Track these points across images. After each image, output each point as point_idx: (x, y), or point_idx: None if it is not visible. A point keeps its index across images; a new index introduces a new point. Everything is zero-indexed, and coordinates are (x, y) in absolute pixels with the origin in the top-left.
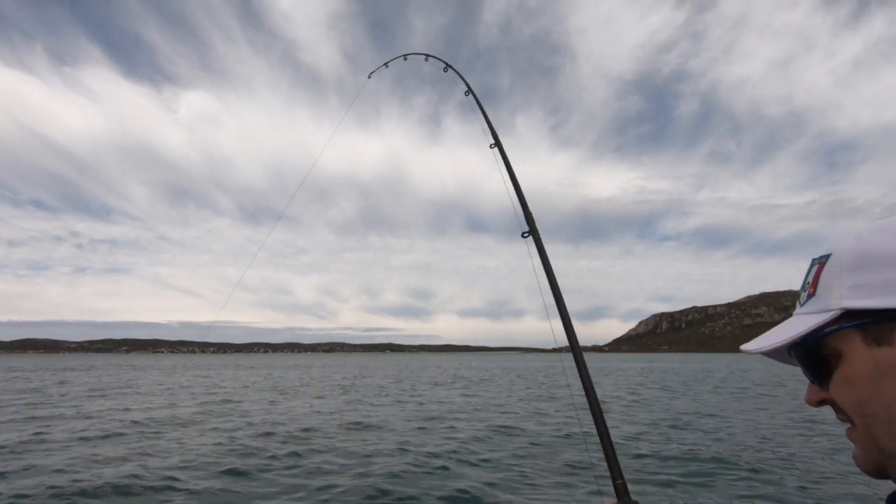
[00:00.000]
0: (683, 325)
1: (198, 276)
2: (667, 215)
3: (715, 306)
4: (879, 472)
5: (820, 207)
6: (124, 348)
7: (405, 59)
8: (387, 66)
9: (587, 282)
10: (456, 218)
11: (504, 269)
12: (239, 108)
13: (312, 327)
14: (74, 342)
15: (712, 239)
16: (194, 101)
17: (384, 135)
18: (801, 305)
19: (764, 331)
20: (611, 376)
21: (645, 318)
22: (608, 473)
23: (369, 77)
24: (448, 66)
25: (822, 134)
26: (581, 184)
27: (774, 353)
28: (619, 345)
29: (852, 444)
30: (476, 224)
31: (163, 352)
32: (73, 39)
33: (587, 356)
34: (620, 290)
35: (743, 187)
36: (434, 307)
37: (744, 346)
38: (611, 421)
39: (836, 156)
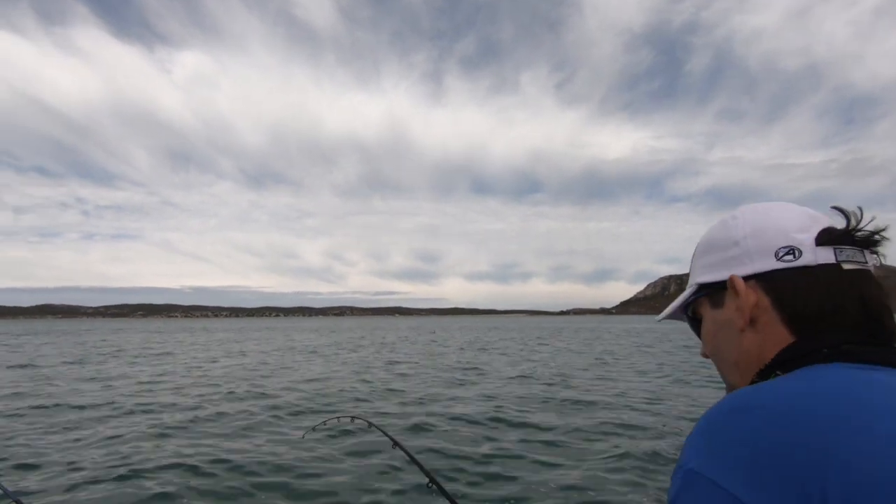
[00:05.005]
0: None
1: (205, 241)
2: (676, 175)
3: None
4: None
5: (839, 166)
6: (140, 313)
7: (338, 420)
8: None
9: (595, 244)
10: (461, 180)
11: (511, 231)
12: (234, 67)
13: (322, 291)
14: (91, 307)
15: (724, 199)
16: (189, 62)
17: (385, 93)
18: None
19: None
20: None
21: (653, 280)
22: None
23: (302, 437)
24: (371, 424)
25: (839, 88)
26: (589, 144)
27: (675, 317)
28: (626, 307)
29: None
30: (482, 186)
31: (177, 316)
32: None
33: (594, 317)
34: (628, 252)
35: (757, 146)
36: (441, 270)
37: (658, 318)
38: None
39: (853, 111)
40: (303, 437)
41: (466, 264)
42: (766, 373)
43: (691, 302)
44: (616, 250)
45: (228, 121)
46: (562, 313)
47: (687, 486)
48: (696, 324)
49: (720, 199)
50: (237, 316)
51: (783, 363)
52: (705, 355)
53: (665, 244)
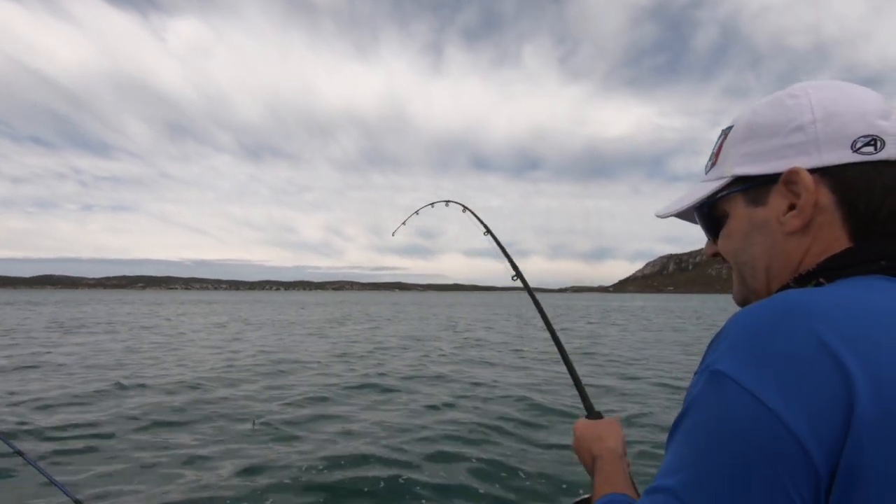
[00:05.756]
0: (690, 267)
1: (204, 213)
2: (678, 154)
3: None
4: (745, 304)
5: None
6: (140, 285)
7: (432, 206)
8: (404, 224)
9: (594, 222)
10: (460, 156)
11: (510, 208)
12: (230, 35)
13: (321, 265)
14: (92, 278)
15: None
16: (184, 30)
17: (384, 64)
18: (706, 173)
19: None
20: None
21: (652, 259)
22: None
23: (393, 235)
24: (465, 209)
25: (848, 67)
26: (591, 120)
27: (683, 216)
28: (624, 285)
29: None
30: (481, 162)
31: (177, 288)
32: None
33: (591, 295)
34: (628, 231)
35: None
36: (440, 247)
37: (657, 212)
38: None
39: None
40: (402, 226)
41: (464, 240)
42: (804, 280)
43: (718, 197)
44: (616, 229)
45: (225, 92)
46: (561, 291)
47: (713, 388)
48: (712, 221)
49: None
50: (237, 289)
51: (827, 271)
52: (713, 255)
53: (665, 223)
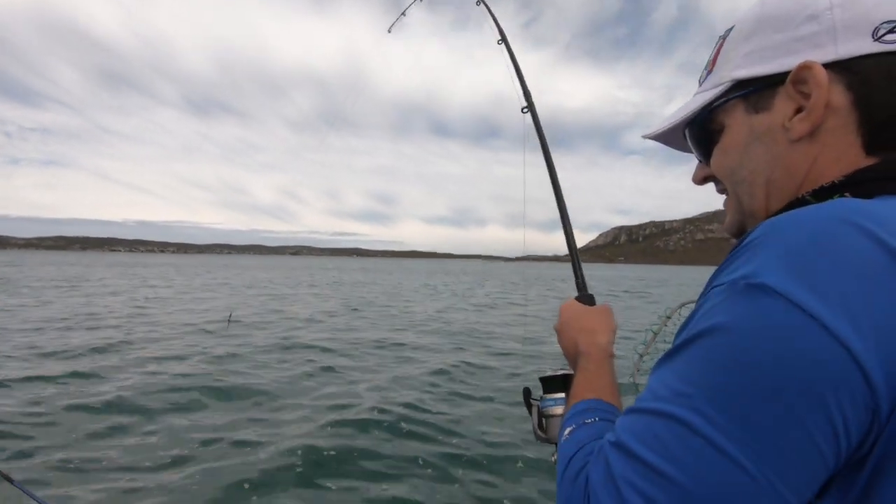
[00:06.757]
0: (640, 238)
1: (148, 171)
2: (633, 128)
3: (672, 221)
4: (740, 232)
5: None
6: (78, 246)
7: None
8: (404, 14)
9: (551, 192)
10: (420, 121)
11: (469, 175)
12: None
13: (278, 229)
14: (23, 238)
15: (675, 154)
16: None
17: (343, 19)
18: (700, 84)
19: (714, 247)
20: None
21: (605, 230)
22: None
23: (389, 31)
24: (480, 1)
25: None
26: (551, 90)
27: (671, 140)
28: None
29: (726, 215)
30: (441, 128)
31: (119, 251)
32: None
33: (541, 265)
34: (583, 202)
35: None
36: (398, 213)
37: (643, 133)
38: None
39: None
40: (402, 16)
41: (423, 207)
42: (823, 194)
43: (713, 108)
44: (571, 199)
45: (169, 40)
46: (517, 259)
47: (751, 304)
48: (705, 136)
49: (672, 152)
50: (185, 252)
51: (853, 185)
52: (702, 181)
53: (618, 195)
